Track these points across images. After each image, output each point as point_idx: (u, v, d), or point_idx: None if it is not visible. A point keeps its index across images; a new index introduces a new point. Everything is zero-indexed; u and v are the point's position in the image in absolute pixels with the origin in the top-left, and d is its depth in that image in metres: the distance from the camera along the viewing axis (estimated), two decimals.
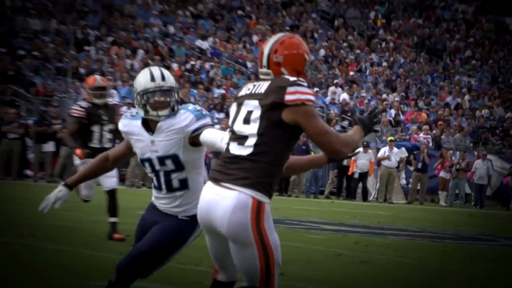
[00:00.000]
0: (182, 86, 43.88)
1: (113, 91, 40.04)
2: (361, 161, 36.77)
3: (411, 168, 39.06)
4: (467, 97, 50.51)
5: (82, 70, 43.08)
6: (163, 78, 7.78)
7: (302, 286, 11.81)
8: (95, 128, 15.48)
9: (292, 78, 6.82)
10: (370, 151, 37.78)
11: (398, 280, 13.60)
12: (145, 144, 7.77)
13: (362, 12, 57.71)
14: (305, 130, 6.75)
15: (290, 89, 6.69)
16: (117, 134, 15.41)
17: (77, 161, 15.67)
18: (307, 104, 6.69)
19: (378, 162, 37.75)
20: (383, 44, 54.97)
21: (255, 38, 51.55)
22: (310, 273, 13.01)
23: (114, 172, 15.19)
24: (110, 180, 15.44)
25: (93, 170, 8.19)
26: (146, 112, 7.71)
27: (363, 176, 37.65)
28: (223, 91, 43.84)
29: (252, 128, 6.76)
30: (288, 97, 6.67)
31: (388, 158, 37.29)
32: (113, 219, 15.38)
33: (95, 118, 15.48)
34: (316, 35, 53.79)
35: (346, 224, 23.28)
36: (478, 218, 31.29)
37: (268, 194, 6.82)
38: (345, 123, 44.26)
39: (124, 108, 36.97)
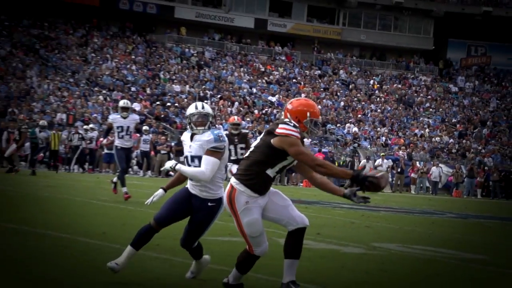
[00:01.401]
0: (259, 123, 44.56)
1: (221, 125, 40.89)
2: (365, 169, 37.15)
3: (394, 171, 38.57)
4: (427, 130, 50.47)
5: None
6: (202, 107, 7.29)
7: (330, 241, 11.42)
8: (231, 147, 15.04)
9: (286, 120, 6.58)
10: (370, 161, 38.20)
11: (386, 236, 13.75)
12: (187, 147, 7.24)
13: (366, 80, 57.69)
14: (289, 152, 6.41)
15: (281, 125, 6.45)
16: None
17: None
18: (290, 137, 6.37)
19: (375, 167, 37.55)
20: (378, 99, 55.02)
21: (303, 95, 51.85)
22: (335, 234, 12.71)
23: None
24: None
25: (181, 178, 7.34)
26: (191, 128, 7.21)
27: None
28: None
29: (255, 143, 6.57)
30: (278, 130, 6.42)
31: (381, 165, 37.37)
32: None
33: (231, 141, 14.76)
34: (338, 94, 54.10)
35: (355, 204, 23.25)
36: (434, 200, 30.95)
37: (250, 187, 6.51)
38: (355, 145, 44.71)
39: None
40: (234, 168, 15.11)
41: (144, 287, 6.62)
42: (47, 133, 26.15)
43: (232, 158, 15.14)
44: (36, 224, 10.53)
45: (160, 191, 7.28)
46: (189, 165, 7.15)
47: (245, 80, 51.28)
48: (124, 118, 16.59)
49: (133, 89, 44.41)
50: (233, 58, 55.03)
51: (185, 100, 44.47)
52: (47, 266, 7.28)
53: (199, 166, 7.02)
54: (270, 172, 6.46)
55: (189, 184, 7.20)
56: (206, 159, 6.98)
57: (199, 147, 7.09)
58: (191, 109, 7.30)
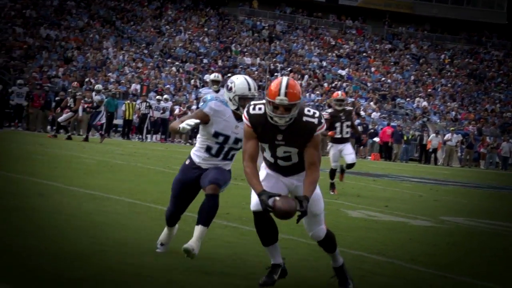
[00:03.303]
0: (329, 96, 44.49)
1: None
2: (434, 142, 36.83)
3: (464, 146, 38.33)
4: (498, 105, 49.64)
5: None
6: (255, 89, 6.35)
7: (398, 214, 11.41)
8: (337, 125, 14.08)
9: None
10: (439, 136, 37.70)
11: (454, 209, 13.76)
12: (230, 126, 6.32)
13: (437, 55, 56.88)
14: None
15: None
16: (353, 129, 14.34)
17: (329, 146, 14.57)
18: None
19: (445, 142, 37.18)
20: (448, 73, 54.32)
21: (372, 69, 51.60)
22: (403, 206, 12.69)
23: (352, 150, 14.24)
24: (350, 156, 14.11)
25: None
26: (238, 109, 6.26)
27: (435, 150, 37.20)
28: (353, 99, 44.15)
29: None
30: None
31: (450, 140, 37.00)
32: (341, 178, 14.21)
33: (336, 119, 14.09)
34: (409, 68, 53.55)
35: (424, 178, 22.77)
36: (503, 176, 30.72)
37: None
38: (425, 119, 44.26)
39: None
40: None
41: (216, 254, 6.68)
42: (102, 97, 26.32)
43: (336, 136, 14.11)
44: (111, 191, 10.75)
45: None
46: (222, 144, 6.36)
47: (315, 54, 51.14)
48: (216, 92, 15.69)
49: (205, 61, 44.73)
50: (304, 32, 54.84)
51: (256, 72, 44.61)
52: (124, 230, 7.44)
53: (238, 148, 6.39)
54: (266, 155, 5.68)
55: (201, 160, 6.42)
56: None
57: None
58: (243, 89, 6.30)
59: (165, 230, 6.70)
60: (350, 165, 14.23)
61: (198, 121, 6.23)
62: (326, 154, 15.89)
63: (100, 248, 6.40)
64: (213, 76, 16.57)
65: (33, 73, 34.39)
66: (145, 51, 43.34)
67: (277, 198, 5.16)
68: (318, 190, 5.56)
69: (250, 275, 5.87)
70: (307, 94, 44.09)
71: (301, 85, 44.59)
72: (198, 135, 6.54)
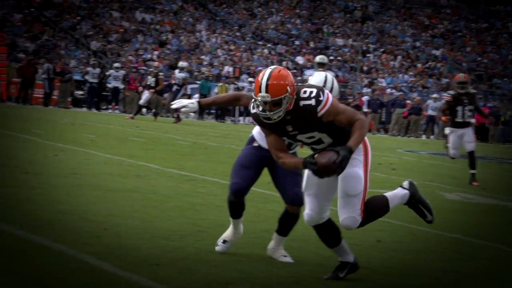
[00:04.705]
0: (422, 77, 43.86)
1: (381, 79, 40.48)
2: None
3: None
4: None
5: (365, 68, 43.91)
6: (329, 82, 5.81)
7: (496, 196, 11.25)
8: (459, 108, 13.31)
9: None
10: None
11: None
12: None
13: None
14: None
15: None
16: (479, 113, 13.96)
17: (447, 131, 13.71)
18: None
19: None
20: None
21: (468, 49, 50.52)
22: (501, 189, 12.52)
23: (473, 137, 13.39)
24: (470, 144, 13.25)
25: (226, 103, 5.86)
26: None
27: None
28: (447, 80, 43.41)
29: None
30: None
31: None
32: (472, 171, 13.11)
33: (459, 102, 13.35)
34: (506, 47, 52.12)
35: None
36: None
37: None
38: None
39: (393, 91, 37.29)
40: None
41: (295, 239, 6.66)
42: (186, 74, 26.40)
43: (457, 120, 13.39)
44: (206, 172, 10.88)
45: (195, 105, 5.83)
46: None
47: (408, 34, 50.38)
48: None
49: (296, 42, 44.70)
50: (397, 12, 54.08)
51: (348, 53, 44.33)
52: (220, 211, 7.45)
53: None
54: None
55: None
56: None
57: None
58: (320, 81, 5.86)
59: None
60: (470, 154, 13.32)
61: None
62: (443, 138, 15.32)
63: (196, 228, 6.48)
64: (318, 58, 15.79)
65: (129, 56, 35.07)
66: (238, 34, 43.57)
67: (317, 154, 4.81)
68: (359, 171, 4.98)
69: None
70: (400, 75, 43.55)
71: (393, 66, 44.13)
72: None
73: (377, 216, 5.14)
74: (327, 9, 51.18)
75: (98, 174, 9.57)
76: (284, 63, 40.86)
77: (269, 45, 43.07)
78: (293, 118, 4.91)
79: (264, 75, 4.86)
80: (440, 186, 12.01)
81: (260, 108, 4.88)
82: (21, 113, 22.17)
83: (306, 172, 5.06)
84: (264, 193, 8.55)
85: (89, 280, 4.47)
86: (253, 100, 4.96)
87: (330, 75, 5.96)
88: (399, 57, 45.90)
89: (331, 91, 5.72)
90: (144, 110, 26.20)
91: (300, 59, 42.08)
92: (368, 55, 45.28)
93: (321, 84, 5.76)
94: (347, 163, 4.74)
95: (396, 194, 5.26)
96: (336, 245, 5.19)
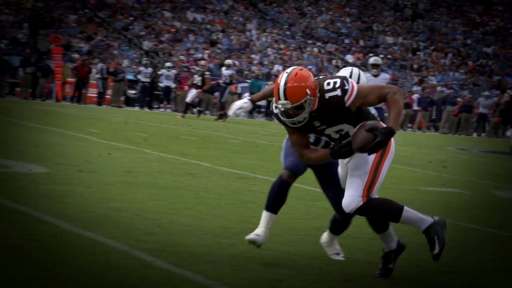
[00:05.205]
0: (473, 75, 43.30)
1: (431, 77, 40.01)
2: None
3: None
4: None
5: (415, 66, 43.48)
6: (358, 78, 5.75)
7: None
8: None
9: None
10: None
11: None
12: None
13: None
14: None
15: None
16: None
17: (508, 133, 13.67)
18: None
19: None
20: None
21: None
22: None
23: None
24: None
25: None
26: None
27: None
28: (499, 77, 42.69)
29: None
30: None
31: None
32: None
33: None
34: None
35: None
36: None
37: None
38: None
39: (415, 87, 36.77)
40: None
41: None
42: (232, 71, 26.35)
43: None
44: (257, 170, 10.95)
45: (249, 103, 5.73)
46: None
47: (459, 31, 49.74)
48: (375, 76, 14.83)
49: (346, 41, 44.52)
50: (447, 9, 53.46)
51: (398, 52, 43.98)
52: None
53: None
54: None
55: None
56: None
57: None
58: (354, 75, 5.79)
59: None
60: None
61: None
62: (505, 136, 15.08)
63: (248, 226, 6.45)
64: (372, 59, 15.61)
65: (181, 56, 35.31)
66: (287, 32, 43.55)
67: (351, 137, 4.66)
68: (371, 157, 4.80)
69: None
70: (451, 73, 43.07)
71: (444, 64, 43.68)
72: None
73: (381, 211, 4.86)
74: (377, 7, 50.84)
75: (150, 172, 9.66)
76: (333, 61, 40.72)
77: (318, 43, 42.97)
78: (320, 112, 4.76)
79: (282, 79, 4.69)
80: (492, 184, 11.85)
81: (285, 116, 4.74)
82: (75, 112, 22.51)
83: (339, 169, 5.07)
84: (314, 190, 8.49)
85: (145, 276, 4.50)
86: (274, 100, 4.80)
87: (356, 70, 5.88)
88: (450, 55, 45.41)
89: None
90: (195, 110, 26.33)
91: (350, 58, 41.89)
92: (418, 53, 44.87)
93: None
94: (381, 148, 4.59)
95: (417, 213, 4.92)
96: (384, 231, 5.09)
